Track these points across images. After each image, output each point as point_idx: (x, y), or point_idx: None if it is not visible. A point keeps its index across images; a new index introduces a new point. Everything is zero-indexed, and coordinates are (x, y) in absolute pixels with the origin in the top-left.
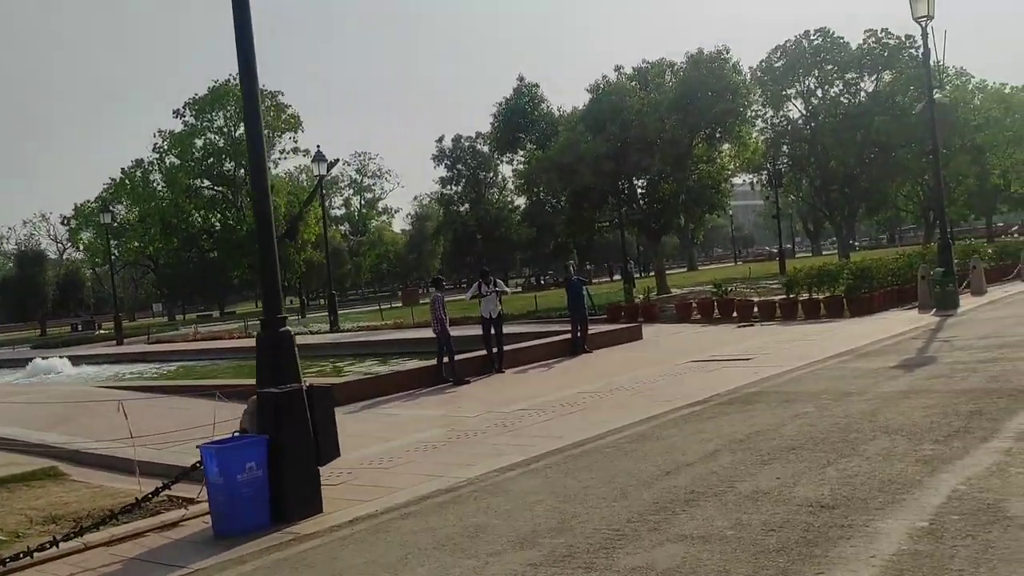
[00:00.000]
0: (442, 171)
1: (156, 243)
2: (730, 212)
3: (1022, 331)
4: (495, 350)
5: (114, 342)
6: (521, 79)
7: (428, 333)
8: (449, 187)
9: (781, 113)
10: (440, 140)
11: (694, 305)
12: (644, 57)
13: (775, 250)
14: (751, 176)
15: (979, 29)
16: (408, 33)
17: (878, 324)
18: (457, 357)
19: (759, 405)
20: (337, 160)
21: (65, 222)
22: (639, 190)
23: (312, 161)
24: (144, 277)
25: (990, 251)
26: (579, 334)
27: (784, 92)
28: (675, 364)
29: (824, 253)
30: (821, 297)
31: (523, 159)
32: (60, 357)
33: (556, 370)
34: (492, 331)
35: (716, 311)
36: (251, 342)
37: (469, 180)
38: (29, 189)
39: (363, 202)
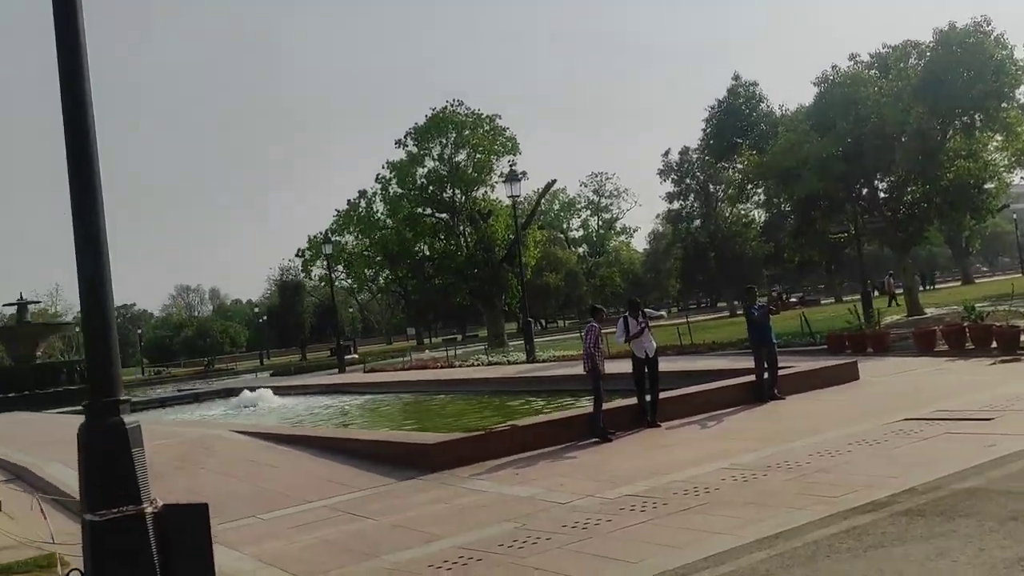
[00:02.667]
0: (669, 186)
1: (384, 272)
2: (1013, 216)
3: None
4: (648, 397)
5: (336, 370)
6: (736, 77)
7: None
8: (676, 202)
9: None
10: (666, 154)
11: (938, 333)
12: (884, 41)
13: None
14: None
15: None
16: (612, 42)
17: None
18: (607, 405)
19: (966, 521)
20: (554, 180)
21: (300, 254)
22: (880, 194)
23: (504, 182)
24: (397, 304)
25: None
26: (764, 375)
27: None
28: (881, 423)
29: None
30: None
31: (739, 166)
32: (266, 388)
33: (723, 425)
34: (646, 372)
35: (968, 340)
36: (455, 373)
37: (698, 194)
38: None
39: (600, 223)
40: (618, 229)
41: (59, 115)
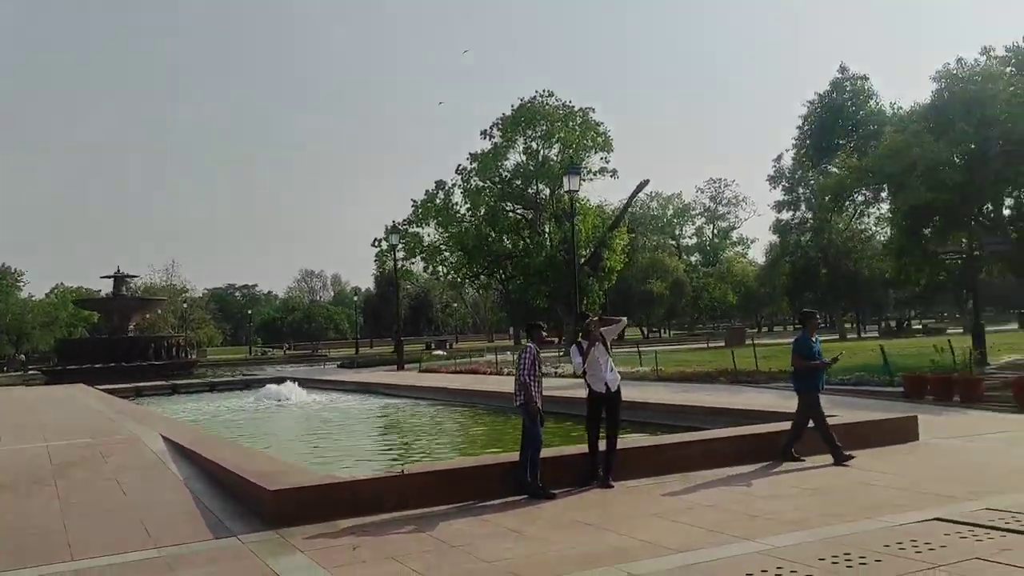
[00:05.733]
0: (778, 194)
1: (463, 267)
2: None
3: None
4: (606, 448)
5: (395, 367)
6: (843, 70)
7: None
8: (785, 212)
9: None
10: (778, 159)
11: None
12: None
13: None
14: None
15: None
16: (710, 33)
17: None
18: (548, 452)
19: None
20: (647, 181)
21: (375, 243)
22: (1005, 211)
23: (564, 175)
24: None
25: None
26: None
27: None
28: (899, 515)
29: None
30: None
31: (835, 171)
32: (293, 381)
33: (696, 497)
34: (603, 414)
35: None
36: (490, 383)
37: (809, 203)
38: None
39: (716, 231)
40: (734, 239)
41: None
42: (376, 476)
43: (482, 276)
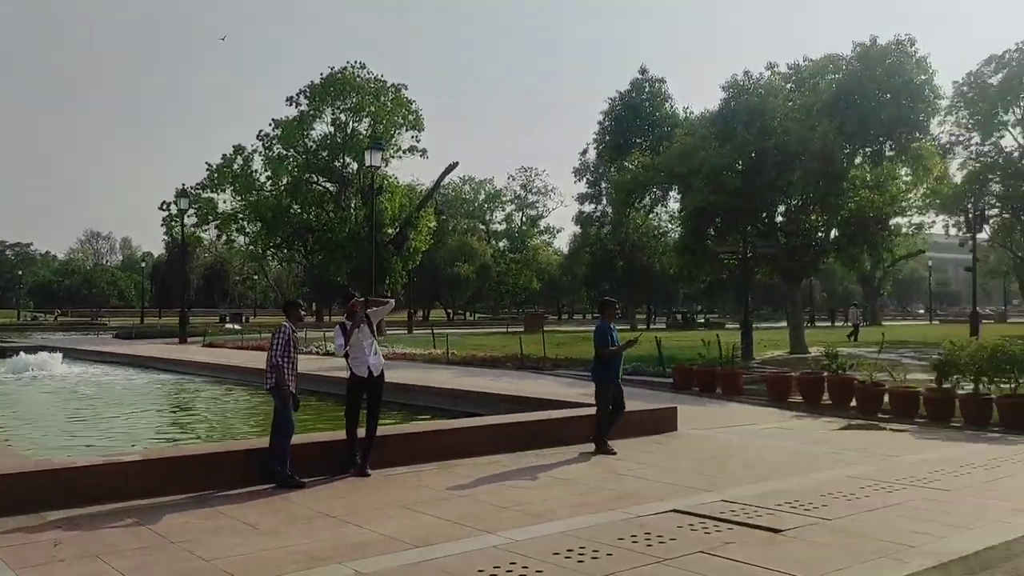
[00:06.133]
0: (583, 187)
1: (261, 238)
2: (929, 262)
3: None
4: (366, 434)
5: (177, 340)
6: (643, 71)
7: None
8: (588, 204)
9: (991, 141)
10: (584, 153)
11: (794, 382)
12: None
13: (993, 310)
14: (946, 218)
15: None
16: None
17: None
18: (302, 437)
19: None
20: (456, 163)
21: (163, 207)
22: (778, 217)
23: (367, 149)
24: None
25: None
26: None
27: (997, 115)
28: (641, 506)
29: None
30: (995, 395)
31: (630, 167)
32: (54, 351)
33: (452, 487)
34: (364, 399)
35: (826, 394)
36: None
37: (611, 198)
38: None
39: (525, 218)
40: (542, 227)
41: None
42: (97, 462)
43: (284, 248)
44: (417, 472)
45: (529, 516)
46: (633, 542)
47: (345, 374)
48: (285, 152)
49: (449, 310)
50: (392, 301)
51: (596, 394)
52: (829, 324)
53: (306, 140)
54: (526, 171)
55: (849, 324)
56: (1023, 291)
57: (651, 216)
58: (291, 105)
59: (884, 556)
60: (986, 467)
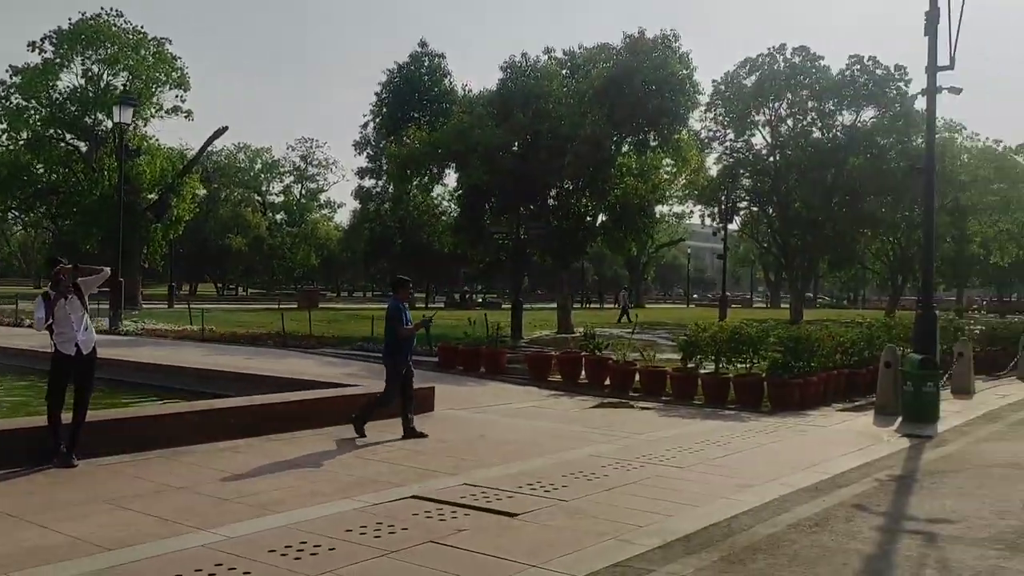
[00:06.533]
0: (363, 160)
1: None
2: (688, 250)
3: None
4: (72, 419)
5: None
6: (423, 44)
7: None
8: (369, 179)
9: (743, 138)
10: (365, 126)
11: (554, 361)
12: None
13: (741, 296)
14: (702, 208)
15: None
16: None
17: (804, 442)
18: None
19: None
20: (225, 128)
21: None
22: (550, 200)
23: (115, 105)
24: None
25: (977, 330)
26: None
27: (751, 115)
28: (381, 493)
29: (784, 307)
30: (732, 374)
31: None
32: None
33: (171, 478)
34: (72, 383)
35: (583, 374)
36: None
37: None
38: None
39: (304, 191)
40: (322, 201)
41: None
42: None
43: (25, 212)
44: (135, 462)
45: (253, 509)
46: (361, 534)
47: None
48: (25, 103)
49: (219, 284)
50: (107, 270)
51: (387, 377)
52: (598, 306)
53: (51, 91)
54: (307, 142)
55: (619, 307)
56: (767, 279)
57: (432, 195)
58: (33, 51)
59: (613, 537)
60: (718, 443)
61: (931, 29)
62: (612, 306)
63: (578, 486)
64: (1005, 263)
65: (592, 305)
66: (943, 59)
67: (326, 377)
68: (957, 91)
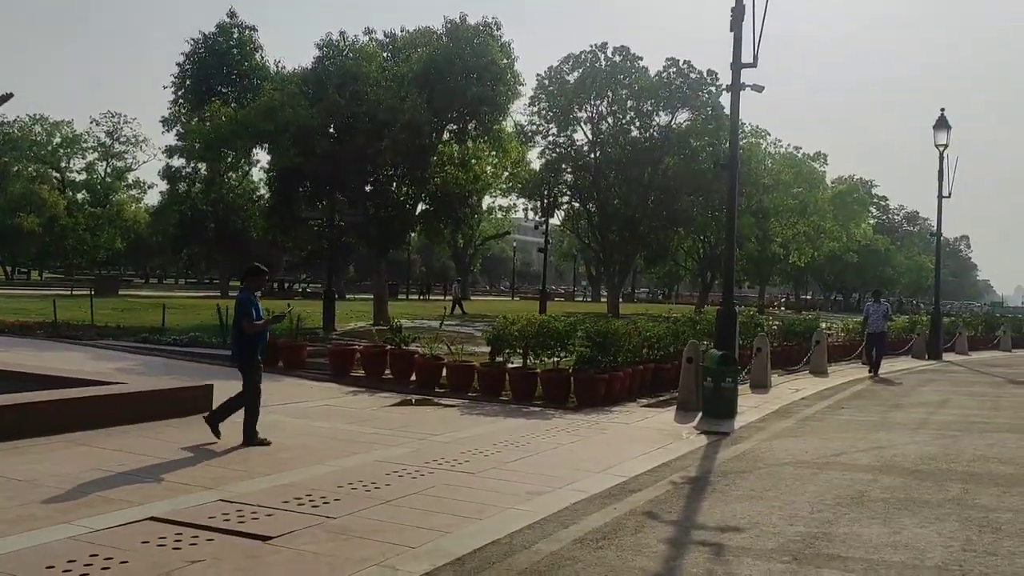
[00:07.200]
0: (171, 138)
1: None
2: (514, 243)
3: (851, 527)
4: None
5: None
6: (232, 14)
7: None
8: (180, 158)
9: (566, 133)
10: (175, 102)
11: (357, 356)
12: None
13: (565, 290)
14: (526, 202)
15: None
16: None
17: (604, 441)
18: None
19: None
20: (11, 94)
21: None
22: (367, 186)
23: None
24: None
25: (775, 326)
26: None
27: (573, 111)
28: (110, 515)
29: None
30: (540, 369)
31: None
32: None
33: None
34: None
35: (388, 369)
36: None
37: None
38: None
39: (111, 170)
40: (130, 181)
41: None
42: None
43: None
44: None
45: None
46: (65, 572)
47: None
48: None
49: (8, 268)
50: None
51: (244, 376)
52: (421, 297)
53: None
54: (114, 116)
55: (452, 298)
56: (588, 273)
57: (250, 178)
58: None
59: (377, 564)
60: (517, 444)
61: (736, 25)
62: (440, 298)
63: (353, 499)
64: (802, 263)
65: (415, 296)
66: (747, 56)
67: (87, 374)
68: (759, 89)
